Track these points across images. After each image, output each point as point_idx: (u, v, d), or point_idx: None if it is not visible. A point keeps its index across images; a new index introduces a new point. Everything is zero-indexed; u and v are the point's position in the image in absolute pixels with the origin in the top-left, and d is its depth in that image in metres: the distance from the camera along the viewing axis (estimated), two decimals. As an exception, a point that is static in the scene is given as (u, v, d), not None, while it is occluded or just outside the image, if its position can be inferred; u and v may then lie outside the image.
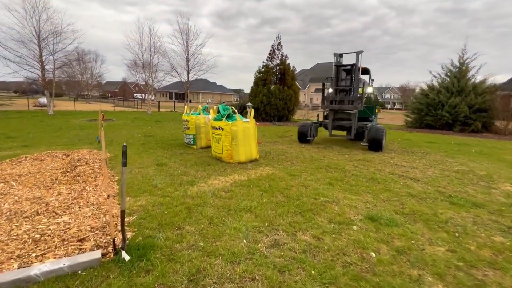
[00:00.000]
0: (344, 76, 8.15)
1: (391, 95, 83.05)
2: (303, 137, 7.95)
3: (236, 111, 5.47)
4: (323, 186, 4.04)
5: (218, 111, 5.65)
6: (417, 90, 15.74)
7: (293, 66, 16.87)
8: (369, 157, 6.28)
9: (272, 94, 15.60)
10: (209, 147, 6.78)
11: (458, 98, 12.91)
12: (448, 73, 14.14)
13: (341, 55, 7.73)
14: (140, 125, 12.02)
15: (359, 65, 7.33)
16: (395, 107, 72.65)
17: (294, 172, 4.74)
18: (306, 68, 62.32)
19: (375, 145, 7.03)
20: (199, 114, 6.76)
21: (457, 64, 13.89)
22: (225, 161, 5.28)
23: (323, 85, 8.15)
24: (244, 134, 5.23)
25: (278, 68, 16.46)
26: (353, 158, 6.09)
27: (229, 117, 5.31)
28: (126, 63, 19.93)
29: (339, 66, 7.73)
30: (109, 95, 64.60)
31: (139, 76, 20.61)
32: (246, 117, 5.60)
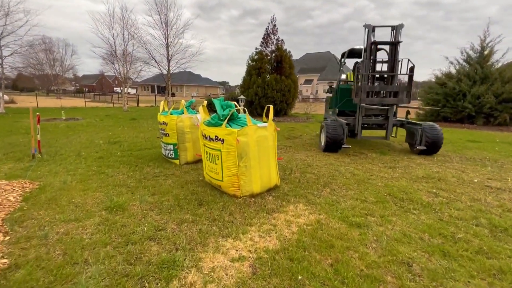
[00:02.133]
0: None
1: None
2: (336, 145, 5.48)
3: (244, 109, 3.36)
4: (436, 260, 2.04)
5: (212, 109, 3.52)
6: (431, 79, 13.96)
7: (289, 52, 14.77)
8: (432, 171, 4.36)
9: (268, 85, 13.46)
10: (199, 161, 4.63)
11: (483, 87, 11.31)
12: (468, 59, 12.51)
13: (373, 29, 5.67)
14: (109, 125, 9.62)
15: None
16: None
17: (352, 215, 2.72)
18: (294, 59, 60.27)
19: (434, 149, 5.27)
20: (182, 113, 4.59)
21: (478, 48, 12.27)
22: (228, 193, 3.19)
23: (356, 68, 6.15)
24: (260, 148, 3.14)
25: (273, 55, 14.30)
26: (412, 175, 4.15)
27: (232, 119, 3.20)
28: (101, 54, 17.01)
29: (377, 44, 5.62)
30: (86, 89, 60.18)
31: (113, 67, 17.84)
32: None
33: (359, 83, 5.51)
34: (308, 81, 51.12)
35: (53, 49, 33.65)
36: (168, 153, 4.59)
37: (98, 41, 36.76)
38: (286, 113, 14.74)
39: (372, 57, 5.66)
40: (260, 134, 3.13)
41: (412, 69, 5.39)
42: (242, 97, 13.21)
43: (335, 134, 5.40)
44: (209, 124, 3.21)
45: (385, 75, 5.94)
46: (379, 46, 5.77)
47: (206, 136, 3.24)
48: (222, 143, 3.04)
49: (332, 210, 2.84)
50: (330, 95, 7.28)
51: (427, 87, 13.70)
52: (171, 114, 4.49)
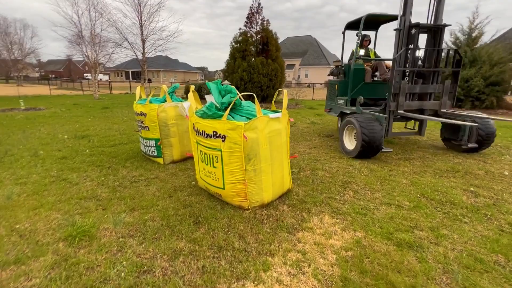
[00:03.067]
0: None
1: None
2: (374, 150, 3.92)
3: (252, 94, 2.60)
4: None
5: (205, 94, 2.74)
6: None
7: (276, 34, 13.87)
8: (453, 163, 3.89)
9: (254, 69, 12.58)
10: (188, 159, 3.85)
11: (473, 70, 11.20)
12: (457, 41, 12.31)
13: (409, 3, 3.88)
14: (77, 115, 8.41)
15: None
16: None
17: (395, 229, 2.12)
18: (275, 43, 58.69)
19: (486, 146, 4.33)
20: (165, 100, 3.75)
21: (467, 30, 12.06)
22: (232, 203, 2.50)
23: (361, 43, 5.25)
24: (272, 146, 2.44)
25: (259, 36, 13.34)
26: (434, 168, 3.64)
27: (233, 108, 2.45)
28: (66, 36, 15.04)
29: (420, 27, 4.01)
30: (53, 75, 55.47)
31: (80, 50, 15.98)
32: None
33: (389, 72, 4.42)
34: (289, 66, 50.23)
35: (10, 31, 30.11)
36: (149, 150, 3.76)
37: (60, 19, 33.35)
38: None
39: (411, 46, 4.06)
40: (272, 128, 2.42)
41: (459, 63, 4.17)
42: (226, 82, 12.28)
43: (373, 134, 3.77)
44: (204, 115, 2.43)
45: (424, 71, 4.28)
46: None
47: (200, 131, 2.47)
48: (223, 141, 2.30)
49: (368, 223, 2.24)
50: (336, 78, 5.76)
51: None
52: (150, 102, 3.64)
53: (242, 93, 2.50)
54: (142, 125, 3.70)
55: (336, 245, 1.94)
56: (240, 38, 13.25)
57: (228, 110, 2.26)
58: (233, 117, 2.32)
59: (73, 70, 59.41)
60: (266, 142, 2.35)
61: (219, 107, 2.41)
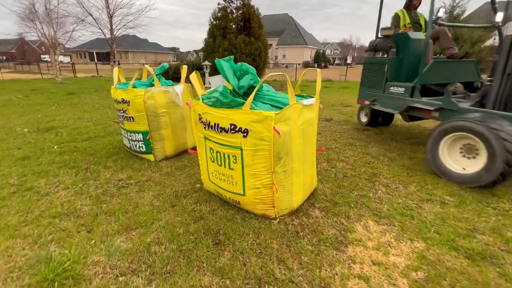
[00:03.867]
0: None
1: (331, 51, 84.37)
2: None
3: (284, 74, 2.06)
4: None
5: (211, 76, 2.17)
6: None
7: (257, 10, 12.97)
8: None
9: (237, 48, 11.74)
10: (182, 154, 3.28)
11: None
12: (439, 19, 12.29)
13: None
14: (38, 103, 7.26)
15: None
16: (336, 62, 74.02)
17: (455, 235, 1.77)
18: (251, 22, 56.50)
19: None
20: (152, 85, 3.09)
21: (449, 7, 12.05)
22: (254, 212, 2.03)
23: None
24: (305, 140, 1.95)
25: (239, 12, 12.37)
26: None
27: (247, 93, 1.91)
28: (15, 10, 12.90)
29: None
30: (4, 57, 49.54)
31: (35, 27, 13.91)
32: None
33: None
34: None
35: None
36: (136, 145, 3.12)
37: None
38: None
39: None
40: (305, 118, 1.92)
41: None
42: (206, 63, 11.39)
43: None
44: (216, 103, 1.87)
45: None
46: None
47: (212, 124, 1.92)
48: (245, 137, 1.78)
49: (420, 228, 1.89)
50: (383, 55, 4.34)
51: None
52: (134, 87, 2.95)
53: (272, 74, 1.93)
54: (125, 115, 3.03)
55: (400, 264, 1.56)
56: (219, 14, 12.22)
57: (252, 96, 1.72)
58: (257, 104, 1.79)
59: (28, 51, 53.38)
60: (299, 135, 1.86)
61: (237, 92, 1.86)
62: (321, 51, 48.62)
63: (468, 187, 2.48)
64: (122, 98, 2.96)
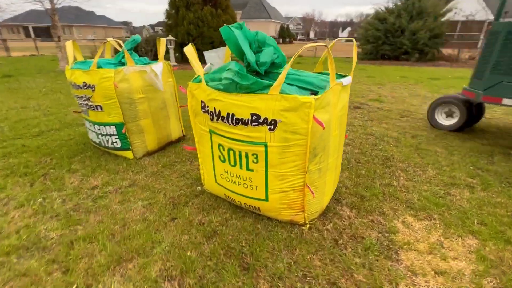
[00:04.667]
0: None
1: (294, 25, 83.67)
2: None
3: (329, 50, 1.61)
4: None
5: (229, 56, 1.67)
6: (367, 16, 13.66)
7: (223, -22, 11.81)
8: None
9: (203, 22, 10.69)
10: (166, 147, 2.75)
11: (420, 22, 11.52)
12: (406, -8, 12.35)
13: None
14: (-37, 89, 5.86)
15: None
16: (299, 37, 73.77)
17: (499, 224, 1.63)
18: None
19: None
20: (123, 64, 2.45)
21: (415, -20, 12.10)
22: (278, 219, 1.67)
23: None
24: (341, 129, 1.60)
25: (203, -20, 11.15)
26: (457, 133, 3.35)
27: (268, 72, 1.48)
28: None
29: None
30: None
31: None
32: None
33: None
34: (229, 20, 46.46)
35: None
36: (108, 141, 2.51)
37: None
38: (226, 57, 12.46)
39: None
40: (344, 102, 1.55)
41: None
42: (170, 38, 10.25)
43: None
44: (230, 86, 1.39)
45: None
46: None
47: (223, 114, 1.46)
48: (272, 130, 1.36)
49: (463, 221, 1.71)
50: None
51: (366, 24, 13.39)
52: (99, 67, 2.29)
53: (311, 44, 1.43)
54: (90, 103, 2.38)
55: (465, 270, 1.35)
56: (181, -18, 10.89)
57: (283, 76, 1.28)
58: (290, 88, 1.37)
59: None
60: (337, 125, 1.50)
61: (254, 71, 1.40)
62: (285, 25, 47.58)
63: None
64: (83, 82, 2.30)
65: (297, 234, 1.58)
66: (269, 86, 1.33)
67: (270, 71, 1.50)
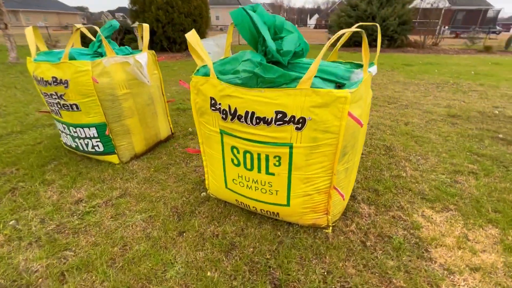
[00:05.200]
0: None
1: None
2: None
3: (364, 35, 1.40)
4: None
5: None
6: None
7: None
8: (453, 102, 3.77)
9: (173, 7, 9.98)
10: (155, 147, 2.48)
11: (390, 9, 11.81)
12: (375, -21, 12.52)
13: None
14: None
15: None
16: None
17: None
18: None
19: None
20: (100, 55, 2.10)
21: (384, -34, 12.30)
22: (298, 223, 1.54)
23: None
24: (366, 122, 1.48)
25: (170, -39, 10.33)
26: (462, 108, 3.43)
27: (289, 63, 1.30)
28: None
29: None
30: None
31: None
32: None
33: None
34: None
35: None
36: (87, 144, 2.17)
37: None
38: (199, 45, 11.85)
39: None
40: (371, 94, 1.43)
41: None
42: (136, 24, 9.45)
43: None
44: (250, 80, 1.19)
45: None
46: None
47: (240, 112, 1.26)
48: (300, 129, 1.20)
49: (478, 209, 1.71)
50: None
51: (339, 10, 13.47)
52: (71, 58, 1.93)
53: (361, 23, 1.23)
54: (63, 102, 2.02)
55: (497, 263, 1.33)
56: (145, -38, 10.00)
57: (315, 67, 1.11)
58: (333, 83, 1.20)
59: None
60: (367, 119, 1.37)
61: (274, 61, 1.22)
62: (255, 12, 46.57)
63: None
64: (53, 77, 1.93)
65: (322, 239, 1.47)
66: (297, 79, 1.16)
67: (290, 61, 1.32)
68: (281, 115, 1.20)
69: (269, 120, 1.22)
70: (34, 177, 2.04)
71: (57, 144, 2.58)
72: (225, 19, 40.28)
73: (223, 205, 1.74)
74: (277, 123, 1.22)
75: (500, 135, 2.82)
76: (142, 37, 2.28)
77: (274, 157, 1.32)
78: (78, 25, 2.20)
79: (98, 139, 2.12)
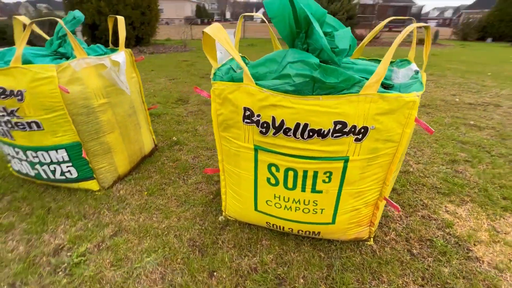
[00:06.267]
0: None
1: (208, 5, 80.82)
2: None
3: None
4: None
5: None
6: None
7: None
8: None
9: (117, -3, 8.90)
10: (140, 165, 2.08)
11: (338, 4, 12.38)
12: (323, -26, 12.97)
13: None
14: None
15: None
16: (215, 18, 71.75)
17: None
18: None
19: None
20: (62, 55, 1.64)
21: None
22: (340, 239, 1.39)
23: None
24: None
25: None
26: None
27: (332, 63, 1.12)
28: None
29: None
30: None
31: None
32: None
33: None
34: None
35: None
36: (54, 171, 1.69)
37: None
38: (149, 40, 10.92)
39: None
40: None
41: None
42: (77, 14, 8.20)
43: None
44: (305, 87, 0.97)
45: None
46: None
47: (288, 125, 1.04)
48: (360, 139, 1.04)
49: (489, 198, 1.77)
50: None
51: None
52: (26, 63, 1.45)
53: (395, 17, 1.04)
54: (16, 120, 1.52)
55: (533, 253, 1.37)
56: None
57: (383, 68, 0.94)
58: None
59: None
60: (413, 123, 1.27)
61: (327, 62, 1.03)
62: (201, 5, 45.06)
63: None
64: (0, 88, 1.43)
65: (369, 254, 1.35)
66: (358, 83, 0.99)
67: (330, 60, 1.14)
68: (340, 125, 1.02)
69: (326, 132, 1.03)
70: (-18, 222, 1.52)
71: (1, 172, 2.00)
72: (171, 12, 38.06)
73: (248, 228, 1.51)
74: (335, 135, 1.03)
75: (471, 122, 3.09)
76: (114, 32, 1.86)
77: (324, 173, 1.14)
78: (21, 18, 1.70)
79: (70, 163, 1.67)
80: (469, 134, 2.77)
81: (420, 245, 1.42)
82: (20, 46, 1.39)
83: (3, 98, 1.46)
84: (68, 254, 1.34)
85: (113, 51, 1.85)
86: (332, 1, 12.61)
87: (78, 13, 1.73)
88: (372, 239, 1.42)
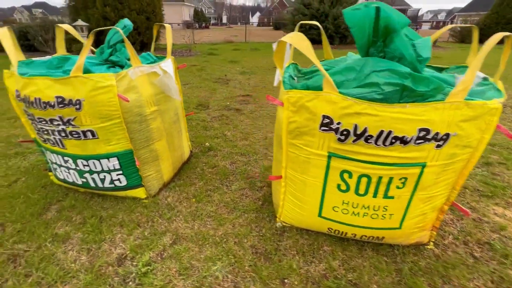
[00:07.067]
0: None
1: (205, 9, 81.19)
2: None
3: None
4: None
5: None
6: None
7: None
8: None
9: (122, 3, 8.90)
10: (180, 171, 2.08)
11: (340, 8, 12.52)
12: (324, -22, 13.13)
13: None
14: None
15: None
16: (212, 22, 71.98)
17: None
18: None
19: None
20: (113, 63, 1.64)
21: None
22: (403, 243, 1.39)
23: None
24: None
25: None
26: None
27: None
28: None
29: None
30: None
31: None
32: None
33: None
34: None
35: None
36: (104, 180, 1.68)
37: None
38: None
39: None
40: None
41: None
42: (81, 22, 8.21)
43: None
44: (394, 96, 0.98)
45: None
46: None
47: (372, 133, 1.05)
48: (441, 146, 1.06)
49: (534, 200, 1.82)
50: None
51: (292, 9, 13.80)
52: (87, 72, 1.45)
53: (453, 26, 1.04)
54: (72, 129, 1.51)
55: None
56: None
57: (471, 77, 0.96)
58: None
59: None
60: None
61: (413, 68, 1.04)
62: (199, 9, 45.24)
63: None
64: (58, 97, 1.42)
65: (432, 258, 1.36)
66: (447, 89, 1.00)
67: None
68: (424, 132, 1.03)
69: (409, 139, 1.05)
70: (36, 233, 1.50)
71: (42, 180, 1.99)
72: (169, 15, 38.13)
73: (307, 234, 1.51)
74: (417, 141, 1.05)
75: (494, 124, 3.13)
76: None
77: (400, 179, 1.16)
78: (64, 26, 1.71)
79: (120, 171, 1.67)
80: (494, 136, 2.81)
81: (480, 248, 1.43)
82: (82, 55, 1.39)
83: (61, 107, 1.45)
84: (134, 263, 1.33)
85: (160, 58, 1.85)
86: (333, 5, 12.76)
87: (127, 22, 1.73)
88: (432, 243, 1.44)
